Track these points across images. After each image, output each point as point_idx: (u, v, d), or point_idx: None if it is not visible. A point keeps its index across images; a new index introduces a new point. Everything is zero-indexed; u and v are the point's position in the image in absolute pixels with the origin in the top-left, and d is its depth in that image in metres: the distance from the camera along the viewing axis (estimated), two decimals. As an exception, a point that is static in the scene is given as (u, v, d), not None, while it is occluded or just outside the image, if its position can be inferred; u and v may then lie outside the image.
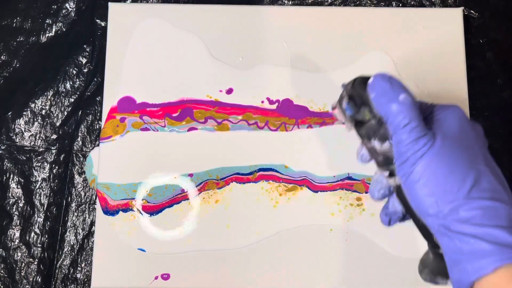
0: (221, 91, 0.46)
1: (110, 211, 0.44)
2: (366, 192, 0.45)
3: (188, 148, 0.45)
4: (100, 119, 0.47)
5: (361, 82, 0.33)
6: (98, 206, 0.44)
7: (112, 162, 0.45)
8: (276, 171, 0.45)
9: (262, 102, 0.46)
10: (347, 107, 0.34)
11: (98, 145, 0.46)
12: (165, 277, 0.43)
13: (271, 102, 0.46)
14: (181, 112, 0.46)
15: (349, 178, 0.45)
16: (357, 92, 0.33)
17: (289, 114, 0.46)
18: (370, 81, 0.32)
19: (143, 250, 0.44)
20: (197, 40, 0.47)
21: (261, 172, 0.45)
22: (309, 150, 0.46)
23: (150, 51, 0.47)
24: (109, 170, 0.45)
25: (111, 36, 0.47)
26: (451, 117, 0.32)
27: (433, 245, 0.31)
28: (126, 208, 0.44)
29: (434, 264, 0.32)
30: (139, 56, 0.47)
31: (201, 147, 0.45)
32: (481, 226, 0.28)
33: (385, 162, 0.32)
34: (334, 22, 0.48)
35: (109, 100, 0.46)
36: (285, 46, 0.47)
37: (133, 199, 0.44)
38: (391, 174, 0.32)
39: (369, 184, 0.45)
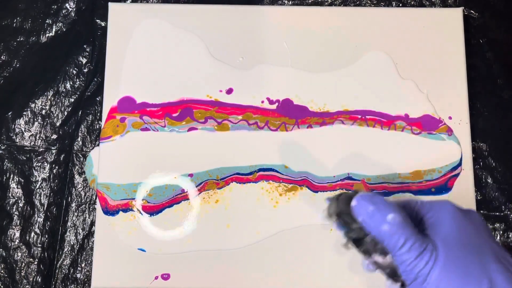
0: (221, 91, 0.46)
1: (110, 211, 0.44)
2: (366, 192, 0.45)
3: (188, 148, 0.45)
4: (100, 119, 0.47)
5: (345, 200, 0.32)
6: (98, 206, 0.44)
7: (112, 162, 0.45)
8: (276, 171, 0.45)
9: (262, 102, 0.46)
10: (338, 227, 0.33)
11: (98, 145, 0.46)
12: (165, 277, 0.43)
13: (271, 102, 0.46)
14: (181, 112, 0.46)
15: (349, 178, 0.45)
16: (343, 211, 0.32)
17: (289, 114, 0.46)
18: (353, 204, 0.31)
19: (143, 250, 0.43)
20: (197, 40, 0.47)
21: (261, 172, 0.45)
22: (309, 150, 0.45)
23: (150, 51, 0.47)
24: (109, 170, 0.45)
25: (111, 36, 0.47)
26: (445, 219, 0.31)
27: None
28: (126, 208, 0.44)
29: None
30: (139, 56, 0.47)
31: (201, 147, 0.45)
32: None
33: (393, 274, 0.31)
34: (334, 22, 0.48)
35: (109, 100, 0.46)
36: (285, 46, 0.47)
37: (133, 199, 0.44)
38: (403, 285, 0.31)
39: (370, 184, 0.45)
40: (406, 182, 0.45)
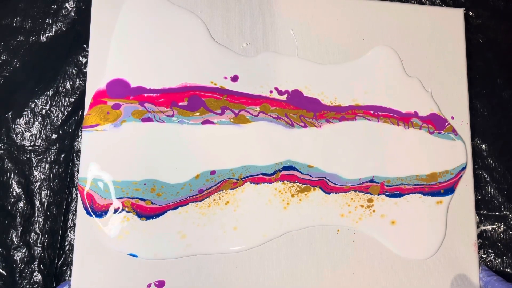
0: (225, 77, 0.42)
1: (97, 212, 0.40)
2: (379, 194, 0.43)
3: (205, 142, 0.41)
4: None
5: None
6: (80, 205, 0.40)
7: (101, 155, 0.40)
8: (298, 170, 0.42)
9: (271, 92, 0.43)
10: None
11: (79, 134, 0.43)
12: (160, 284, 0.40)
13: (280, 92, 0.43)
14: (190, 100, 0.41)
15: (371, 181, 0.43)
16: None
17: (303, 106, 0.43)
18: None
19: (135, 256, 0.39)
20: (197, 20, 0.43)
21: (284, 171, 0.42)
22: (334, 148, 0.43)
23: (142, 29, 0.42)
24: (97, 164, 0.40)
25: (96, 6, 0.42)
26: None
27: None
28: (118, 209, 0.40)
29: None
30: (131, 33, 0.42)
31: (221, 141, 0.41)
32: None
33: None
34: (342, 13, 0.45)
35: (95, 81, 0.40)
36: (291, 35, 0.44)
37: (132, 198, 0.40)
38: None
39: (387, 186, 0.43)
40: (421, 184, 0.43)
